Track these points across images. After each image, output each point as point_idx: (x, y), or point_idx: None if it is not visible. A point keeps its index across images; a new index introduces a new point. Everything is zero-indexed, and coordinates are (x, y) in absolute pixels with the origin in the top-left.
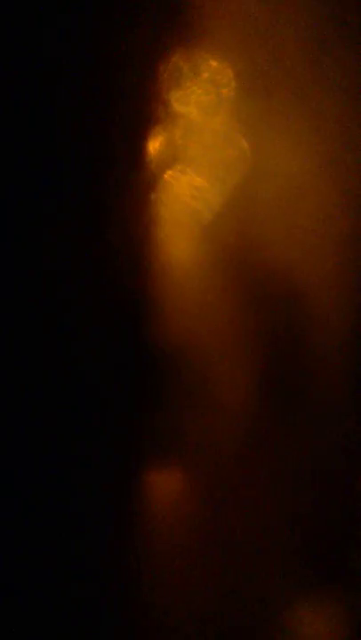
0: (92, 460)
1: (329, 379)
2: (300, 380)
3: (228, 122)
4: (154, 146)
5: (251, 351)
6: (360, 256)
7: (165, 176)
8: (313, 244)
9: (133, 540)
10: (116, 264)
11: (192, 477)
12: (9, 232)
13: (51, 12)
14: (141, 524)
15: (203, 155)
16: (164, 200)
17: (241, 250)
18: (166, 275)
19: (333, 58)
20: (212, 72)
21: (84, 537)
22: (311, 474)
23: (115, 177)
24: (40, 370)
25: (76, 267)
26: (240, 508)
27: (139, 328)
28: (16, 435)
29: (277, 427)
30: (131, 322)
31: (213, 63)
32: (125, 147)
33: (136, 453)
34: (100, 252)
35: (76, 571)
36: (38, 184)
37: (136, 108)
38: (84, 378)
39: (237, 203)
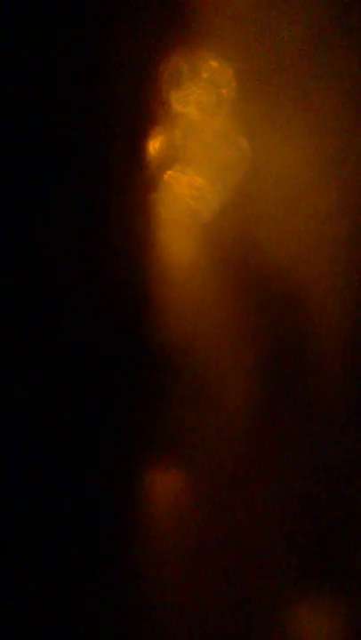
0: (92, 460)
1: (329, 378)
2: (300, 379)
3: (228, 122)
4: (154, 146)
5: (251, 351)
6: (360, 256)
7: (165, 176)
8: (313, 243)
9: (134, 540)
10: (116, 264)
11: (193, 477)
12: (9, 231)
13: (51, 13)
14: (142, 523)
15: (203, 155)
16: (164, 200)
17: (241, 250)
18: (166, 274)
19: (333, 58)
20: (212, 72)
21: (84, 536)
22: (311, 473)
23: (115, 177)
24: (39, 370)
25: (76, 266)
26: (240, 507)
27: (139, 328)
28: (16, 436)
29: (278, 426)
30: (131, 321)
31: (213, 63)
32: (125, 147)
33: (136, 453)
34: (100, 251)
35: (76, 570)
36: (38, 184)
37: (136, 108)
38: (84, 377)
39: (237, 203)
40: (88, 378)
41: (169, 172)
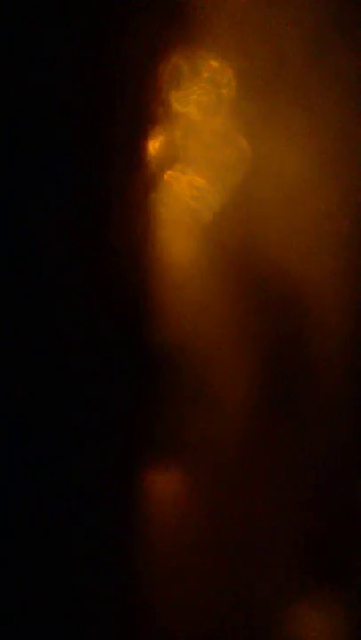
0: (92, 459)
1: (328, 378)
2: (300, 379)
3: (228, 122)
4: (154, 146)
5: (250, 351)
6: (360, 256)
7: (165, 176)
8: (313, 243)
9: (133, 539)
10: (116, 263)
11: (192, 477)
12: (9, 231)
13: (51, 13)
14: (141, 523)
15: (203, 155)
16: (164, 200)
17: (241, 250)
18: (166, 274)
19: (333, 58)
20: (212, 72)
21: (84, 537)
22: (311, 473)
23: (115, 177)
24: (40, 370)
25: (76, 266)
26: (240, 507)
27: (139, 327)
28: (16, 436)
29: (277, 426)
30: (131, 321)
31: (213, 63)
32: (125, 147)
33: (136, 453)
34: (100, 251)
35: (76, 570)
36: (38, 183)
37: (136, 108)
38: (84, 377)
39: (237, 203)
40: (88, 378)
41: (169, 172)
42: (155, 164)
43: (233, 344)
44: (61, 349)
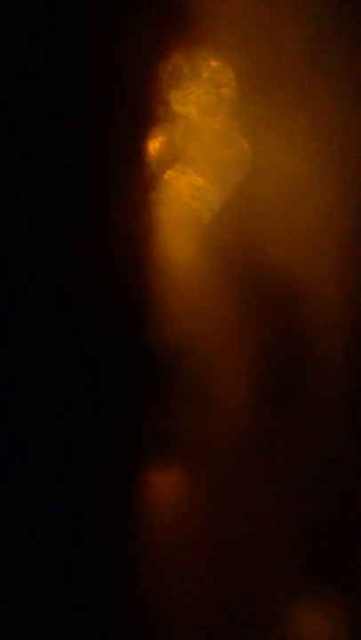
0: (92, 459)
1: (329, 378)
2: (300, 379)
3: (228, 122)
4: (154, 146)
5: (251, 351)
6: (360, 256)
7: (165, 176)
8: (313, 243)
9: (133, 540)
10: (116, 263)
11: (192, 477)
12: (10, 231)
13: (51, 13)
14: (141, 523)
15: (203, 155)
16: (164, 200)
17: (241, 249)
18: (166, 274)
19: (333, 58)
20: (212, 72)
21: (84, 536)
22: (311, 473)
23: (115, 177)
24: (39, 369)
25: (76, 266)
26: (240, 507)
27: (139, 327)
28: (16, 434)
29: (277, 426)
30: (131, 321)
31: (213, 63)
32: (125, 147)
33: (136, 453)
34: (100, 251)
35: (76, 570)
36: (39, 184)
37: (136, 108)
38: (84, 377)
39: (237, 203)
40: (88, 378)
41: (169, 172)
42: (155, 164)
43: (233, 344)
44: (61, 349)
